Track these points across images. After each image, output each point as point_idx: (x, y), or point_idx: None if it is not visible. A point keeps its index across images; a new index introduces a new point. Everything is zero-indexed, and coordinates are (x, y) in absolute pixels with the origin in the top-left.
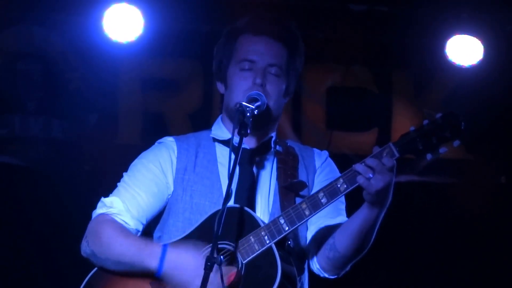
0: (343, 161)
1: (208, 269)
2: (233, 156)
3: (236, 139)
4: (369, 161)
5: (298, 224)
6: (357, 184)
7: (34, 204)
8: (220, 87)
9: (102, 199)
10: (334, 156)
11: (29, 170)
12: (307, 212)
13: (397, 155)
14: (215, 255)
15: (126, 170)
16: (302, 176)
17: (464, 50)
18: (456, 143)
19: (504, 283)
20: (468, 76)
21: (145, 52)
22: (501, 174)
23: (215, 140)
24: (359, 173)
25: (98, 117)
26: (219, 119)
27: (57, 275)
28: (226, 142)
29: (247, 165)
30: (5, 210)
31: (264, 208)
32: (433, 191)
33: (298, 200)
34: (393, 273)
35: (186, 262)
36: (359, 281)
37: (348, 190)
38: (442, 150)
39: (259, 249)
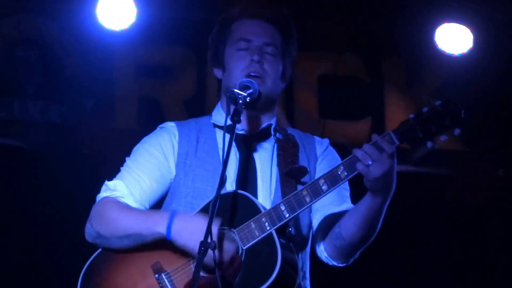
0: (337, 150)
1: (201, 253)
2: (227, 140)
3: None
4: (368, 148)
5: (299, 211)
6: (357, 171)
7: (33, 185)
8: (217, 72)
9: (106, 182)
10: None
11: (28, 152)
12: (307, 199)
13: (397, 142)
14: (209, 240)
15: (123, 154)
16: (303, 163)
17: (454, 38)
18: (457, 131)
19: (501, 275)
20: (459, 65)
21: (139, 40)
22: (499, 167)
23: (215, 125)
24: (359, 160)
25: (95, 102)
26: (218, 104)
27: (56, 257)
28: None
29: (247, 151)
30: (5, 190)
31: (266, 194)
32: (430, 183)
33: (299, 187)
34: (387, 263)
35: (195, 225)
36: (352, 270)
37: (349, 177)
38: (443, 138)
39: (259, 235)
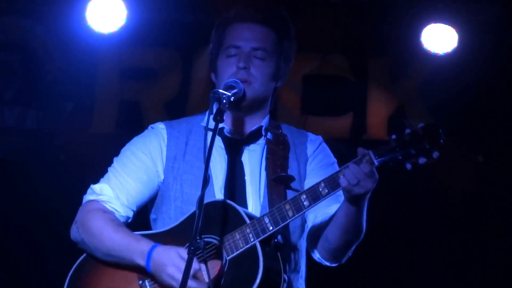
0: None
1: (191, 253)
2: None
3: (225, 127)
4: (353, 167)
5: (282, 224)
6: (339, 189)
7: (10, 194)
8: (213, 76)
9: (92, 186)
10: None
11: (4, 161)
12: (290, 214)
13: (375, 164)
14: (198, 239)
15: (101, 159)
16: (292, 166)
17: (439, 38)
18: (436, 154)
19: (484, 260)
20: (443, 64)
21: (126, 42)
22: (478, 153)
23: (208, 129)
24: (346, 180)
25: (74, 106)
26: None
27: (36, 263)
28: (218, 131)
29: (236, 155)
30: None
31: (255, 199)
32: (410, 171)
33: (288, 192)
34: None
35: (170, 259)
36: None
37: (330, 194)
38: (422, 160)
39: (243, 247)
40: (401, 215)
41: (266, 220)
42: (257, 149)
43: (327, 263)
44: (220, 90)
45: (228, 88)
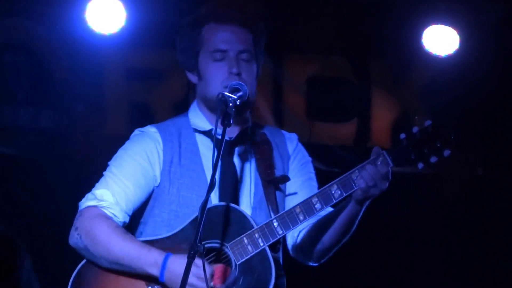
0: (324, 151)
1: (191, 257)
2: (211, 144)
3: (219, 130)
4: (371, 169)
5: (292, 228)
6: (354, 190)
7: (25, 192)
8: (192, 77)
9: (93, 191)
10: (315, 146)
11: (19, 159)
12: (301, 217)
13: (391, 164)
14: (198, 243)
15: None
16: (278, 164)
17: (441, 40)
18: (446, 152)
19: (482, 270)
20: (445, 66)
21: (128, 43)
22: (478, 165)
23: (195, 130)
24: (364, 181)
25: (85, 107)
26: (195, 106)
27: (47, 264)
28: (206, 133)
29: (228, 156)
30: None
31: (246, 201)
32: (410, 181)
33: (277, 193)
34: (367, 260)
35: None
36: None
37: (343, 196)
38: (433, 159)
39: (253, 251)
40: (398, 227)
41: (275, 224)
42: (247, 150)
43: (310, 263)
44: (226, 93)
45: (233, 90)
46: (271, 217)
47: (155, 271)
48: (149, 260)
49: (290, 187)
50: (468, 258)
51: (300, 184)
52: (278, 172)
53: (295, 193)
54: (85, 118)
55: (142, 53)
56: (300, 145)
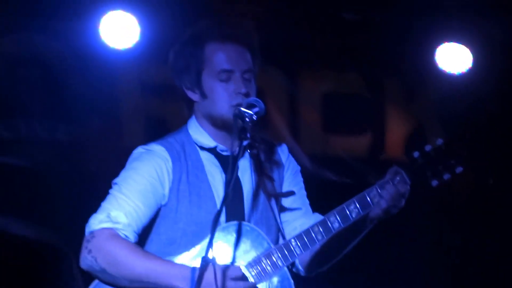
0: (339, 164)
1: (203, 269)
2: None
3: (223, 146)
4: (391, 189)
5: (311, 248)
6: (371, 208)
7: (40, 206)
8: (192, 95)
9: (107, 212)
10: (330, 159)
11: (35, 172)
12: (319, 237)
13: (409, 182)
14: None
15: None
16: (275, 176)
17: (454, 58)
18: (459, 169)
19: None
20: (458, 84)
21: (143, 58)
22: (488, 175)
23: (199, 147)
24: (385, 201)
25: (101, 121)
26: (196, 123)
27: (61, 278)
28: (211, 150)
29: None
30: (12, 211)
31: (251, 215)
32: (420, 191)
33: (276, 206)
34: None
35: (220, 279)
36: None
37: (360, 215)
38: (446, 176)
39: (272, 271)
40: (407, 236)
41: (293, 243)
42: (246, 164)
43: (305, 274)
44: (243, 109)
45: (249, 106)
46: (272, 230)
47: (183, 285)
48: (177, 274)
49: (285, 197)
50: (478, 268)
51: (294, 195)
52: (277, 184)
53: (290, 204)
54: (101, 132)
55: (157, 67)
56: (290, 155)
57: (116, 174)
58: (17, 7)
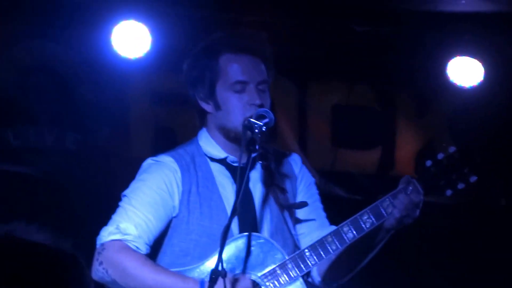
0: (347, 179)
1: (213, 281)
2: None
3: (233, 157)
4: (405, 199)
5: (325, 258)
6: (384, 219)
7: (47, 214)
8: (206, 106)
9: (116, 224)
10: (339, 174)
11: (43, 181)
12: (333, 247)
13: (421, 192)
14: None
15: None
16: (288, 187)
17: (465, 71)
18: (473, 178)
19: None
20: (469, 97)
21: (153, 68)
22: (501, 195)
23: (209, 158)
24: (398, 211)
25: (110, 130)
26: (207, 134)
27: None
28: (222, 161)
29: (243, 183)
30: (19, 219)
31: (265, 227)
32: (433, 211)
33: (286, 215)
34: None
35: None
36: None
37: (374, 225)
38: (460, 186)
39: (287, 282)
40: (418, 255)
41: (307, 253)
42: (257, 174)
43: (320, 285)
44: (252, 120)
45: (259, 117)
46: (288, 243)
47: None
48: (187, 285)
49: (299, 209)
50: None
51: (308, 207)
52: (290, 195)
53: (304, 216)
54: (110, 141)
55: (167, 77)
56: (303, 166)
57: (123, 182)
58: (30, 15)
